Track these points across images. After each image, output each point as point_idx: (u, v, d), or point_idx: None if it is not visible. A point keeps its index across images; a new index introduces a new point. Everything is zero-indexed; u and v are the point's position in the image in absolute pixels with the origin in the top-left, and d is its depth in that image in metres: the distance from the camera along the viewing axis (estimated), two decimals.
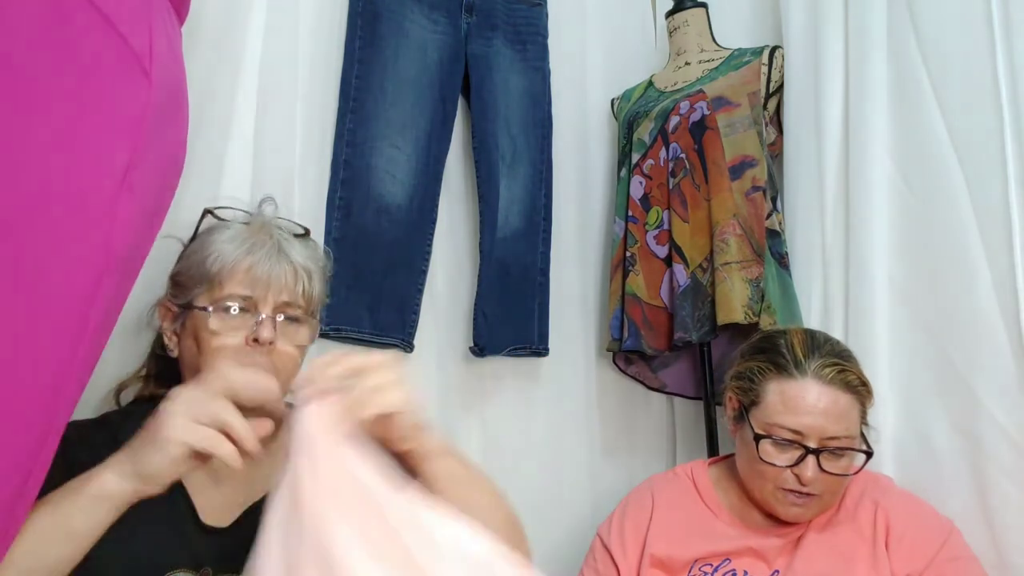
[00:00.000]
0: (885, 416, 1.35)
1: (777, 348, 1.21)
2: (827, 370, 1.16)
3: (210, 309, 0.97)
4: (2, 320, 0.72)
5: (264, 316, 0.98)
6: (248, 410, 0.97)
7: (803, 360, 1.18)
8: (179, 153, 1.05)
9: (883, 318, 1.39)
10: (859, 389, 1.18)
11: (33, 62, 0.74)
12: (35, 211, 0.74)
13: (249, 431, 0.79)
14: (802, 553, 1.19)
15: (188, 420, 0.78)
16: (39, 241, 0.74)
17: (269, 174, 1.37)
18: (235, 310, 0.97)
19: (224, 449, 0.78)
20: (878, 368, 1.36)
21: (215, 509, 0.99)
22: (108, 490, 0.78)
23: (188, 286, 1.00)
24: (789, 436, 1.15)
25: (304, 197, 1.46)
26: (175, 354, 1.02)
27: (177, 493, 0.96)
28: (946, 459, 1.30)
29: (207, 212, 1.07)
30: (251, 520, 0.99)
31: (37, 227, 0.74)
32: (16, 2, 0.74)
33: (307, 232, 1.10)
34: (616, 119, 1.83)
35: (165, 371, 1.09)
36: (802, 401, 1.15)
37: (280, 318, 1.00)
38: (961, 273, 1.29)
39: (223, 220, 1.06)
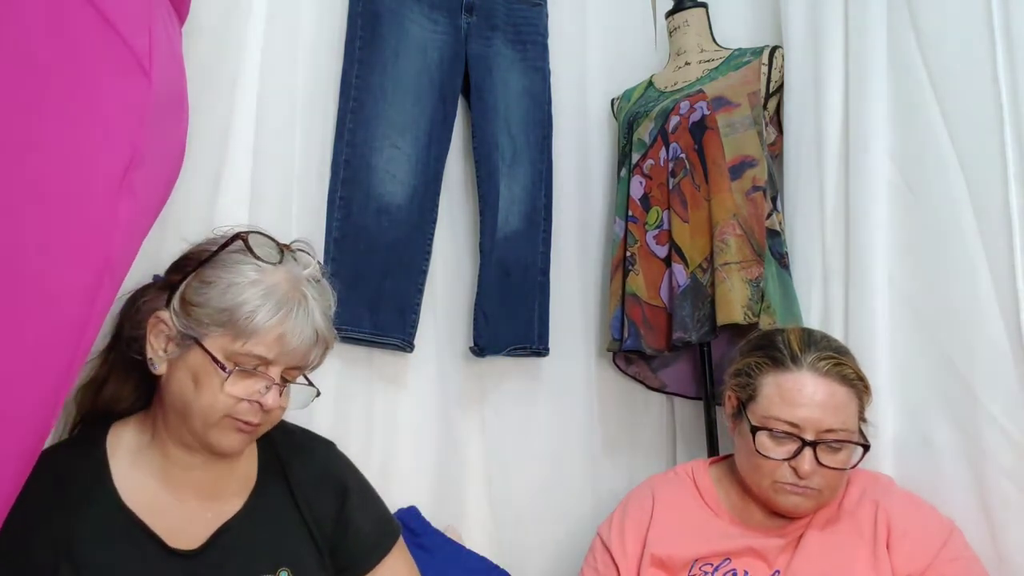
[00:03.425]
0: (885, 416, 1.35)
1: (774, 344, 1.22)
2: (823, 363, 1.17)
3: (228, 370, 0.93)
4: (5, 320, 0.72)
5: (275, 383, 0.95)
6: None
7: (799, 354, 1.18)
8: (179, 153, 1.06)
9: (883, 318, 1.39)
10: (856, 383, 1.18)
11: (33, 62, 0.74)
12: (36, 212, 0.74)
13: None
14: (802, 553, 1.19)
15: None
16: (40, 242, 0.75)
17: (269, 174, 1.37)
18: (250, 368, 0.94)
19: None
20: (878, 368, 1.35)
21: (182, 530, 0.97)
22: None
23: (204, 322, 0.93)
24: (786, 428, 1.16)
25: (304, 197, 1.46)
26: (159, 372, 0.96)
27: (133, 527, 0.94)
28: (946, 459, 1.30)
29: (238, 237, 0.98)
30: (223, 542, 0.98)
31: (38, 228, 0.74)
32: (16, 2, 0.74)
33: (323, 273, 1.03)
34: (616, 119, 1.83)
35: (130, 375, 1.03)
36: (799, 394, 1.16)
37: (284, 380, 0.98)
38: (961, 273, 1.29)
39: (256, 257, 0.96)
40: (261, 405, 0.95)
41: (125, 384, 1.04)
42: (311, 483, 1.07)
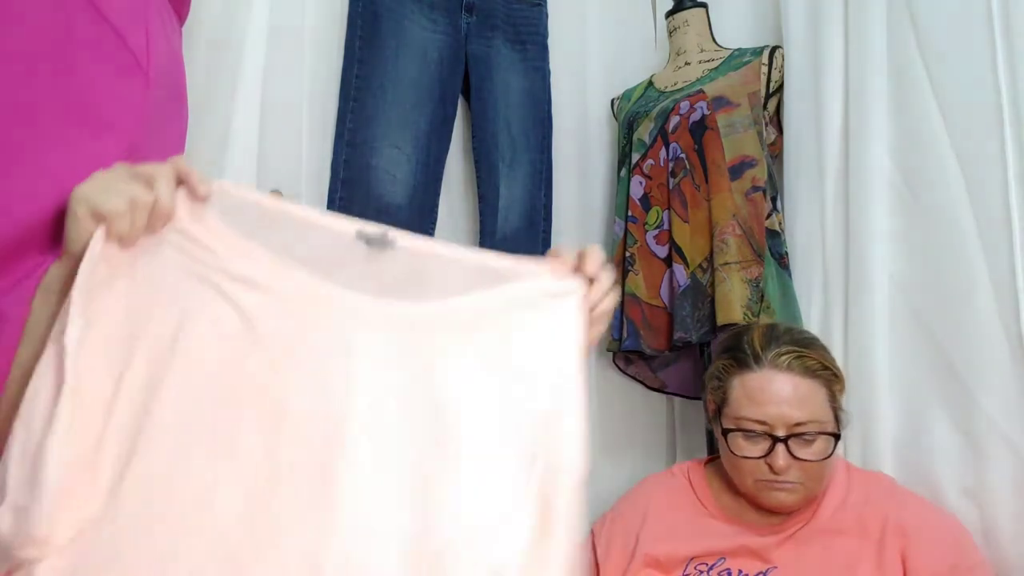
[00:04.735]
0: (885, 416, 1.35)
1: (739, 345, 1.23)
2: (783, 358, 1.18)
3: None
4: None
5: None
6: None
7: (760, 352, 1.20)
8: (178, 152, 1.06)
9: (883, 318, 1.38)
10: (820, 373, 1.19)
11: (30, 60, 0.74)
12: (34, 212, 0.74)
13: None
14: (798, 552, 1.19)
15: (100, 184, 0.69)
16: (40, 242, 0.74)
17: (270, 175, 1.37)
18: None
19: (119, 224, 0.68)
20: (878, 368, 1.35)
21: None
22: (49, 279, 0.72)
23: None
24: (756, 428, 1.17)
25: (304, 197, 1.46)
26: None
27: None
28: (946, 459, 1.29)
29: None
30: None
31: (36, 228, 0.74)
32: (16, 1, 0.74)
33: None
34: (616, 119, 1.83)
35: None
36: (762, 392, 1.17)
37: None
38: (961, 273, 1.29)
39: None
40: None
41: None
42: None
